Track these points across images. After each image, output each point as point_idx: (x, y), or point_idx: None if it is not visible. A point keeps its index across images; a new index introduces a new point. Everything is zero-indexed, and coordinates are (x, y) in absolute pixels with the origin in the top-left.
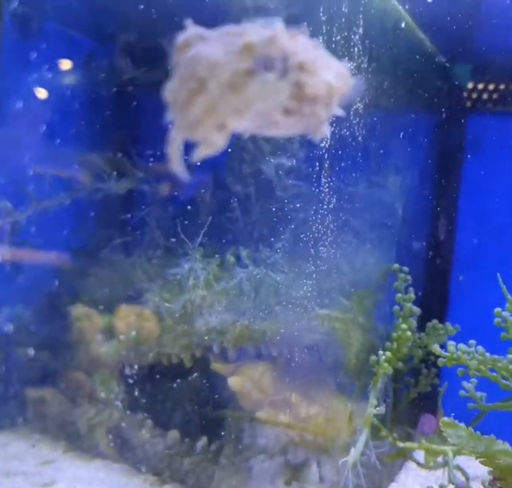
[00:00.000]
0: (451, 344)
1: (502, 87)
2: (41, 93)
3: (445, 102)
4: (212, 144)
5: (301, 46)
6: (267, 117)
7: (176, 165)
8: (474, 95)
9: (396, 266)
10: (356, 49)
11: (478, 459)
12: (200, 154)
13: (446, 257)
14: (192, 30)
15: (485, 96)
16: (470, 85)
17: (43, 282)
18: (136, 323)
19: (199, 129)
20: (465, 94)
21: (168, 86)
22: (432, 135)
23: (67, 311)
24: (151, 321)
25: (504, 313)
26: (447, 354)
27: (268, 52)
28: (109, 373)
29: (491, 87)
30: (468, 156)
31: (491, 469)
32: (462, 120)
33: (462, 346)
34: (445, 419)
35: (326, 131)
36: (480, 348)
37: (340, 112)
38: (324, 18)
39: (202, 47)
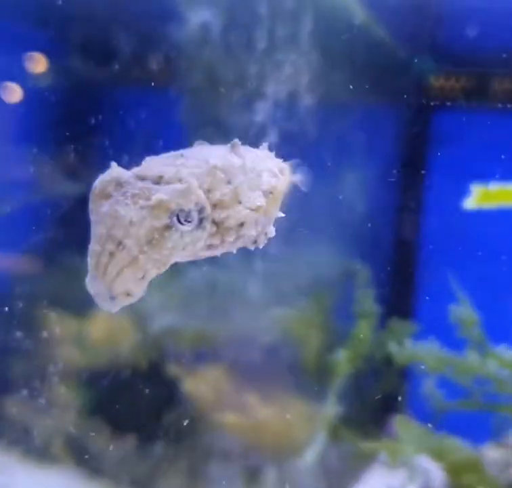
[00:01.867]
0: (407, 342)
1: (466, 81)
2: None
3: (409, 97)
4: (132, 295)
5: (219, 179)
6: (191, 255)
7: (102, 306)
8: (438, 90)
9: (356, 264)
10: (306, 43)
11: (429, 455)
12: (118, 304)
13: (411, 255)
14: (111, 173)
15: (449, 91)
16: (433, 80)
17: (4, 287)
18: (111, 331)
19: (118, 284)
20: (429, 89)
21: (90, 248)
22: (395, 130)
23: (35, 316)
24: (127, 329)
25: (459, 311)
26: (403, 352)
27: (182, 206)
28: (68, 378)
29: (455, 81)
30: (433, 151)
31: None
32: (426, 116)
33: (418, 344)
34: (399, 417)
35: (269, 235)
36: (435, 345)
37: (280, 214)
38: (265, 11)
39: (116, 204)
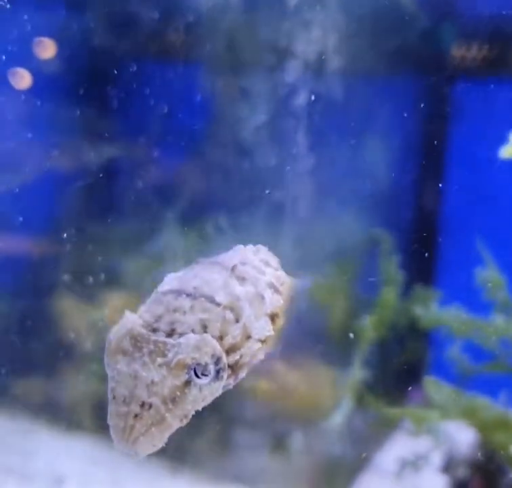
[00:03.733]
0: (433, 306)
1: (488, 51)
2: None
3: (430, 66)
4: (156, 446)
5: (228, 320)
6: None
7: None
8: (460, 60)
9: (379, 231)
10: (328, 9)
11: (460, 415)
12: (142, 455)
13: (433, 225)
14: (124, 325)
15: (471, 61)
16: (455, 49)
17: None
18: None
19: (145, 442)
20: (450, 59)
21: (113, 409)
22: (416, 100)
23: (51, 302)
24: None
25: (484, 273)
26: (428, 315)
27: (198, 360)
28: (89, 350)
29: (477, 51)
30: (454, 122)
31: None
32: (448, 86)
33: (444, 308)
34: (429, 379)
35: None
36: (460, 309)
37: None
38: None
39: (134, 362)
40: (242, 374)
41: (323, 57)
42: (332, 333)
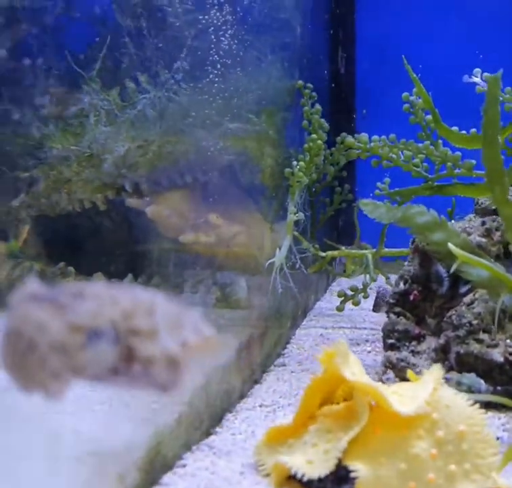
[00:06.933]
0: (363, 135)
1: None
2: None
3: None
4: (55, 394)
5: (142, 310)
6: (99, 376)
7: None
8: None
9: (300, 82)
10: None
11: (399, 224)
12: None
13: (349, 89)
14: (27, 288)
15: None
16: None
17: None
18: None
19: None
20: None
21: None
22: None
23: None
24: None
25: (411, 97)
26: (360, 145)
27: (96, 324)
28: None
29: None
30: None
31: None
32: None
33: (374, 137)
34: (363, 200)
35: (180, 386)
36: (392, 135)
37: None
38: None
39: (31, 309)
40: (137, 376)
41: None
42: (264, 182)
